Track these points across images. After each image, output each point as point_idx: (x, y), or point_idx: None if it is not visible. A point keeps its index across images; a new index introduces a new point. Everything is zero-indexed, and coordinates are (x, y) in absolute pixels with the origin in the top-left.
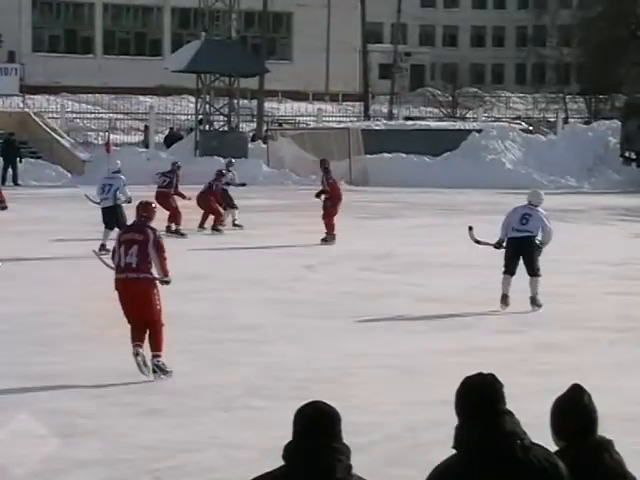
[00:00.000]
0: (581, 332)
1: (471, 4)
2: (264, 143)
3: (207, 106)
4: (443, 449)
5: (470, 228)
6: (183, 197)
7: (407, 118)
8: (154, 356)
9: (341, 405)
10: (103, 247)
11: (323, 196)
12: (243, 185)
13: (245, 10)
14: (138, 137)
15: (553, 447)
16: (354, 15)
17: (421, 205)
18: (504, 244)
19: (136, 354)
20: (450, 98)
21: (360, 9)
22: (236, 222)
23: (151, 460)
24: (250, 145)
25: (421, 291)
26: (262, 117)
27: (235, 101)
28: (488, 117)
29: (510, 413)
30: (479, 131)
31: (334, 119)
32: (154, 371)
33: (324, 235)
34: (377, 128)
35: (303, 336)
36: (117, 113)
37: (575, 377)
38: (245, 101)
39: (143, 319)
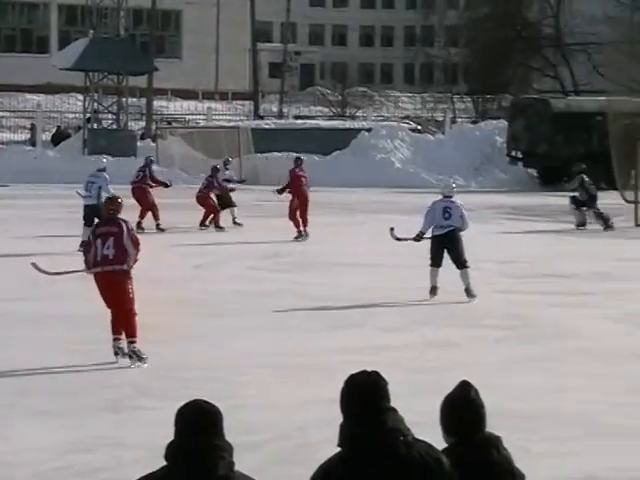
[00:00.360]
0: (468, 330)
1: (360, 4)
2: (153, 142)
3: (95, 104)
4: (332, 447)
5: (392, 229)
6: (165, 185)
7: (297, 117)
8: (130, 342)
9: (231, 404)
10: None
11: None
12: (243, 182)
13: (133, 7)
14: (25, 135)
15: (442, 444)
16: (243, 14)
17: (313, 204)
18: (426, 236)
19: (117, 348)
20: (340, 97)
21: (249, 8)
22: (236, 220)
23: (39, 461)
24: (139, 143)
25: (312, 290)
26: (151, 115)
27: (124, 99)
28: (377, 116)
29: (394, 410)
30: (368, 130)
31: (224, 118)
32: (130, 356)
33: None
34: (267, 127)
35: (194, 335)
36: (3, 111)
37: (463, 374)
38: (134, 99)
39: (119, 309)
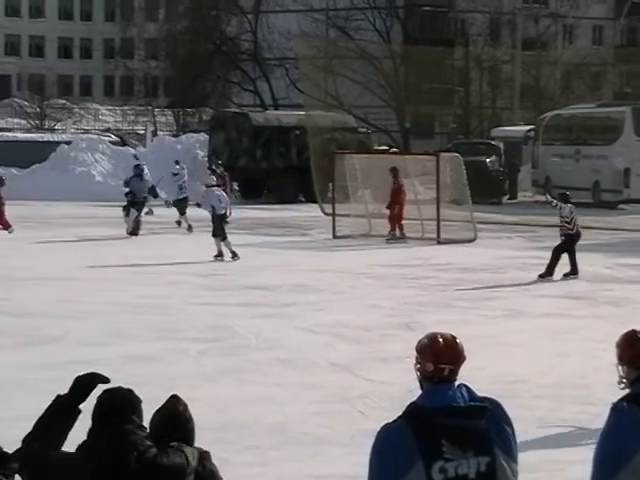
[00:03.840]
0: (171, 343)
1: (57, 15)
2: None
3: None
4: None
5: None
6: None
7: None
8: None
9: None
10: (180, 224)
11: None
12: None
13: None
14: None
15: None
16: None
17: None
18: None
19: None
20: (38, 109)
21: None
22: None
23: None
24: None
25: (6, 305)
26: None
27: None
28: (77, 129)
29: (141, 426)
30: (68, 143)
31: None
32: None
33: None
34: None
35: None
36: None
37: (166, 388)
38: None
39: None
